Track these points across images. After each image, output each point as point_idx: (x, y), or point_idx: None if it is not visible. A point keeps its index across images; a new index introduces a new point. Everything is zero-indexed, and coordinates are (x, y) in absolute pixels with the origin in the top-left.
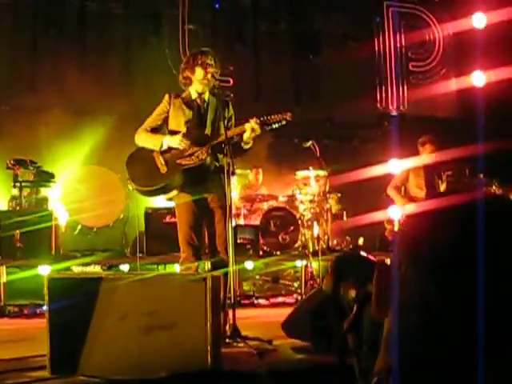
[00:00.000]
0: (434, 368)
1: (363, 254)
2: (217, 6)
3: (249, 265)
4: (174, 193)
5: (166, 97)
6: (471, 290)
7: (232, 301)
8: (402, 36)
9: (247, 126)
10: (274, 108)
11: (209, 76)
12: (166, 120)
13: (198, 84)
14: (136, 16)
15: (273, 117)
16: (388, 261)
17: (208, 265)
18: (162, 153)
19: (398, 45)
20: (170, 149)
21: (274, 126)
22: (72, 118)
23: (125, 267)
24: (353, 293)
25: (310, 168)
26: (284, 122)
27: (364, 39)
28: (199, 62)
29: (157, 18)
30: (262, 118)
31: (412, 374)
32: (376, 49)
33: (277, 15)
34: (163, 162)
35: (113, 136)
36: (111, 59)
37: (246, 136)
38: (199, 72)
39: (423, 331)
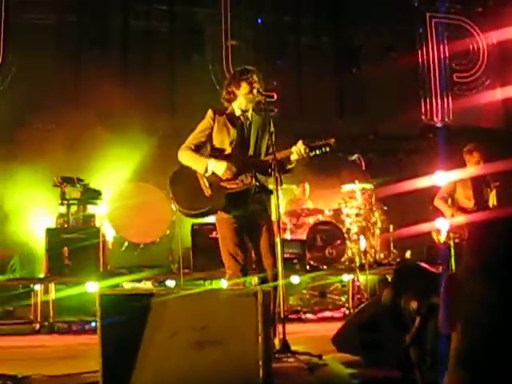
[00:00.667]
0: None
1: (424, 265)
2: (259, 21)
3: (295, 279)
4: (217, 213)
5: (210, 113)
6: None
7: (281, 315)
8: (446, 47)
9: (294, 149)
10: (317, 122)
11: (254, 91)
12: (209, 136)
13: (243, 99)
14: (179, 33)
15: (316, 142)
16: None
17: (255, 280)
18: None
19: (442, 56)
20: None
21: (317, 152)
22: (116, 136)
23: (171, 283)
24: (414, 304)
25: (356, 181)
26: (328, 148)
27: (407, 51)
28: (245, 77)
29: (200, 35)
30: (308, 144)
31: None
32: (420, 60)
33: (319, 29)
34: (207, 185)
35: (156, 153)
36: (154, 76)
37: (292, 158)
38: (245, 87)
39: (488, 346)
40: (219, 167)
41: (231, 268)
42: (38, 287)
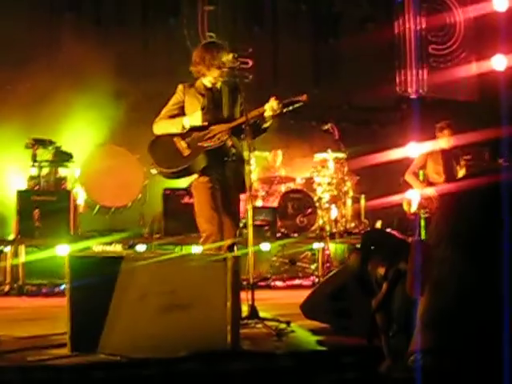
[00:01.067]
0: (472, 343)
1: (391, 232)
2: None
3: (265, 247)
4: (195, 175)
5: (180, 87)
6: (500, 266)
7: (250, 282)
8: (423, 19)
9: (267, 106)
10: (292, 90)
11: (224, 73)
12: (181, 110)
13: (212, 77)
14: None
15: (289, 99)
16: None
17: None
18: (183, 137)
19: (418, 27)
20: (190, 132)
21: (289, 108)
22: (88, 99)
23: (142, 247)
24: (381, 270)
25: (329, 150)
26: (300, 103)
27: (384, 22)
28: (215, 62)
29: None
30: (278, 98)
31: (450, 351)
32: (396, 31)
33: None
34: (185, 146)
35: (131, 117)
36: (128, 39)
37: (266, 114)
38: (214, 71)
39: (460, 307)
40: (195, 117)
41: (207, 231)
42: (7, 249)
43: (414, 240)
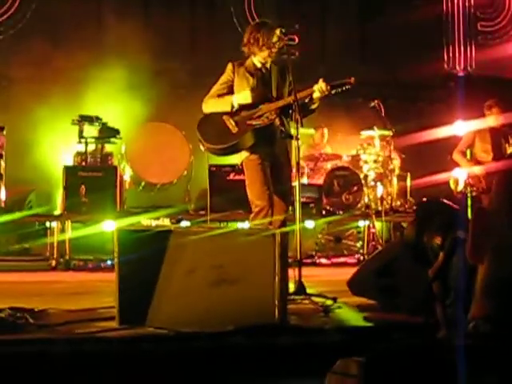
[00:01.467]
0: None
1: (447, 201)
2: None
3: (309, 224)
4: (244, 153)
5: (230, 66)
6: None
7: (297, 258)
8: None
9: (316, 87)
10: (339, 67)
11: (273, 53)
12: (230, 88)
13: (261, 57)
14: None
15: (337, 81)
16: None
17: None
18: (232, 115)
19: (467, 4)
20: (239, 111)
21: (338, 90)
22: (136, 76)
23: (186, 223)
24: (438, 240)
25: (375, 128)
26: (348, 86)
27: None
28: (265, 42)
29: None
30: (326, 80)
31: (510, 321)
32: (444, 8)
33: None
34: (233, 124)
35: (178, 93)
36: (176, 17)
37: (314, 96)
38: (265, 51)
39: None
40: (243, 96)
41: (258, 206)
42: (54, 224)
43: (477, 207)
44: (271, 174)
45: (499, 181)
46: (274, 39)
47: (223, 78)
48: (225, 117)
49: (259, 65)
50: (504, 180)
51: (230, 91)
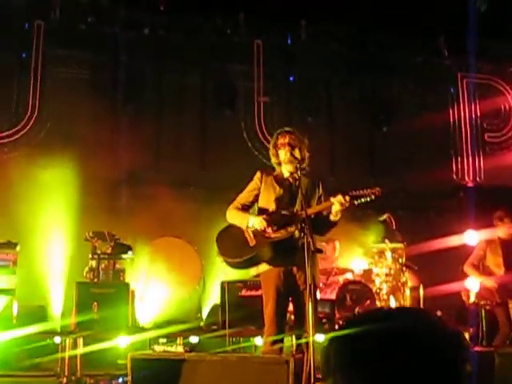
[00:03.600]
0: None
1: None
2: (291, 78)
3: (320, 337)
4: (262, 267)
5: (258, 174)
6: None
7: (312, 380)
8: (477, 106)
9: (334, 200)
10: (348, 180)
11: (289, 156)
12: (256, 197)
13: (288, 164)
14: (211, 88)
15: (362, 192)
16: None
17: (293, 339)
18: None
19: (473, 115)
20: None
21: (362, 200)
22: (147, 190)
23: (195, 339)
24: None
25: (386, 241)
26: (373, 197)
27: (439, 109)
28: (278, 143)
29: (232, 91)
30: (350, 193)
31: None
32: (451, 119)
33: (351, 85)
34: (252, 236)
35: (188, 208)
36: (186, 131)
37: (334, 209)
38: (282, 153)
39: None
40: (255, 221)
41: (269, 328)
42: (66, 341)
43: None
44: (291, 287)
45: None
46: (285, 156)
47: (250, 186)
48: (244, 228)
49: (287, 174)
50: None
51: (256, 200)
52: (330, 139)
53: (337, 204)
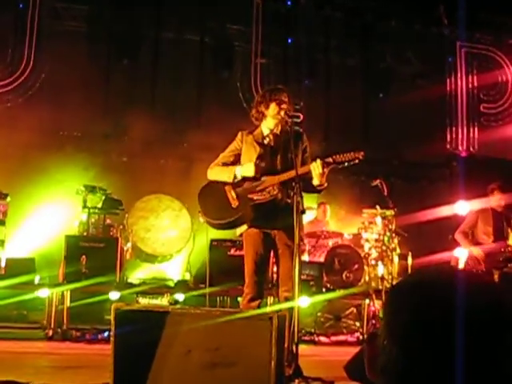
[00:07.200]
0: None
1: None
2: (289, 40)
3: (304, 302)
4: (244, 227)
5: (239, 135)
6: None
7: (295, 340)
8: (475, 77)
9: (311, 166)
10: (342, 145)
11: (282, 113)
12: (238, 157)
13: (271, 120)
14: (209, 48)
15: (345, 155)
16: None
17: (271, 300)
18: (234, 187)
19: (470, 86)
20: (241, 183)
21: (345, 165)
22: (141, 147)
23: (181, 296)
24: None
25: (377, 207)
26: (356, 161)
27: (435, 79)
28: (274, 97)
29: (229, 51)
30: (334, 157)
31: None
32: (447, 89)
33: (348, 51)
34: (234, 197)
35: (182, 167)
36: (182, 90)
37: (314, 174)
38: (273, 108)
39: None
40: (247, 168)
41: (248, 287)
42: (53, 293)
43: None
44: (274, 249)
45: None
46: (274, 111)
47: (231, 146)
48: (227, 187)
49: (267, 131)
50: None
51: (237, 160)
52: (326, 103)
53: (316, 169)
